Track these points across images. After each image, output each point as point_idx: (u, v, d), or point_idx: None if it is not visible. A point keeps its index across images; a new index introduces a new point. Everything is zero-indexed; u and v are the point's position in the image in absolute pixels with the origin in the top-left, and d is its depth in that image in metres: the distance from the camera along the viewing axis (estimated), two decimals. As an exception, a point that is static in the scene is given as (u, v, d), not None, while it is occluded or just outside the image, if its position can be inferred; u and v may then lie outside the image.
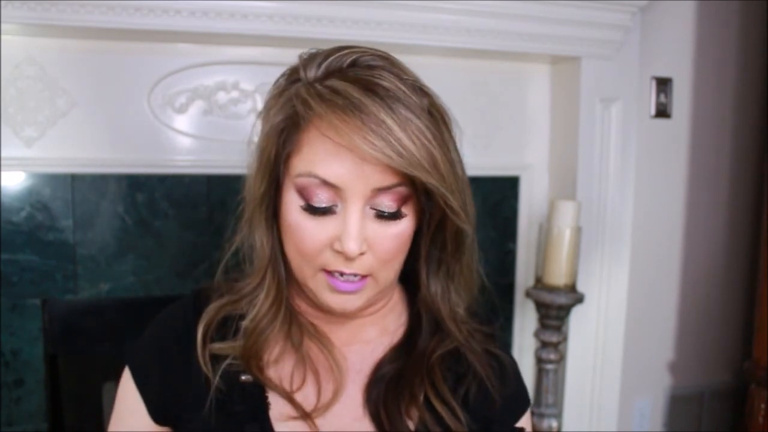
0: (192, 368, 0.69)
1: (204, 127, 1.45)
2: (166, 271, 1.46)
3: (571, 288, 1.50)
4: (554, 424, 1.57)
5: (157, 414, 0.71)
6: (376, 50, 0.64)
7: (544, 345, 1.55)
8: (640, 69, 1.67)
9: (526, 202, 1.71)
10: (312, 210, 0.61)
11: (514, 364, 0.78)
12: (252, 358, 0.68)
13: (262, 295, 0.69)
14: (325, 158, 0.60)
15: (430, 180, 0.60)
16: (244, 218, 0.70)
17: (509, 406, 0.76)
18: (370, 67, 0.62)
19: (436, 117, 0.63)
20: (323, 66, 0.62)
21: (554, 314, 1.50)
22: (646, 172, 1.81)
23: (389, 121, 0.57)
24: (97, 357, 1.45)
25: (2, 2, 1.17)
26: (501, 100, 1.65)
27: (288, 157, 0.63)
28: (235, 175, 1.44)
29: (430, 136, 0.60)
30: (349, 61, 0.62)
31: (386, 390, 0.69)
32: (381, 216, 0.62)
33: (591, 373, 1.71)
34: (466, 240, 0.69)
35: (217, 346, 0.69)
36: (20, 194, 1.35)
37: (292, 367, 0.70)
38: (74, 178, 1.38)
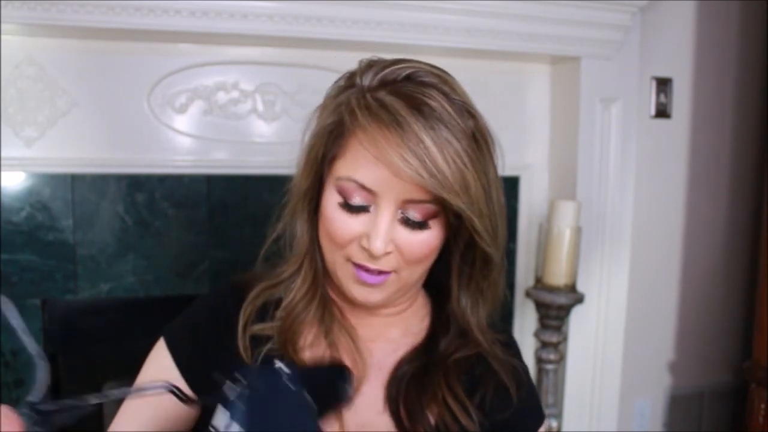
0: (228, 354, 0.71)
1: (204, 127, 1.45)
2: (166, 271, 1.46)
3: (571, 288, 1.50)
4: (554, 424, 1.57)
5: (187, 373, 0.73)
6: (433, 67, 0.67)
7: (544, 345, 1.55)
8: (640, 69, 1.67)
9: (526, 202, 1.71)
10: (348, 208, 0.66)
11: (530, 381, 0.80)
12: (288, 341, 0.72)
13: (299, 281, 0.74)
14: (365, 166, 0.64)
15: (458, 202, 0.63)
16: (288, 208, 0.74)
17: (525, 417, 0.78)
18: (422, 84, 0.64)
19: (478, 141, 0.66)
20: (379, 76, 0.65)
21: (554, 314, 1.50)
22: (646, 172, 1.81)
23: (428, 142, 0.61)
24: (97, 357, 1.45)
25: (2, 2, 1.17)
26: (501, 100, 1.65)
27: (333, 159, 0.67)
28: (235, 175, 1.47)
29: (466, 160, 0.63)
30: (404, 74, 0.65)
31: (407, 387, 0.72)
32: (407, 222, 0.66)
33: (591, 373, 1.71)
34: (493, 262, 0.72)
35: (258, 327, 0.73)
36: (20, 194, 1.35)
37: (322, 354, 0.73)
38: (74, 178, 1.38)
